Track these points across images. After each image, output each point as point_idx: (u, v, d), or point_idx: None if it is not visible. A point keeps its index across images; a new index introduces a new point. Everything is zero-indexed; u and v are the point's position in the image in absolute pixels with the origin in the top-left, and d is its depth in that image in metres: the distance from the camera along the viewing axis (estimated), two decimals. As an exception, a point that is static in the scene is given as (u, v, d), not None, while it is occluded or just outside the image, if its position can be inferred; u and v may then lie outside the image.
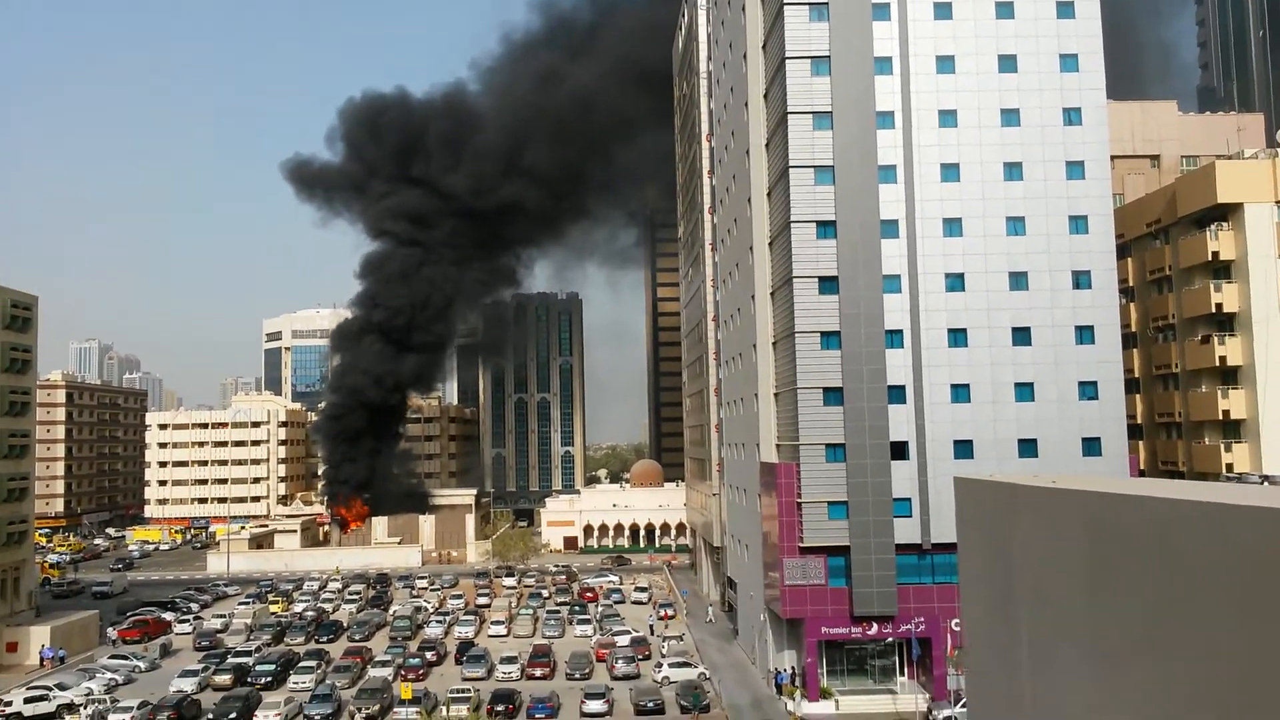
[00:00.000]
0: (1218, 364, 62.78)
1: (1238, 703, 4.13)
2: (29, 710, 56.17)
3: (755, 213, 64.39)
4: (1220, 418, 62.67)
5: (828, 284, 57.13)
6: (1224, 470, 61.27)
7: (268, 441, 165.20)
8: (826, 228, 57.38)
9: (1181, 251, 65.75)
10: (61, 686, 58.98)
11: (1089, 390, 56.88)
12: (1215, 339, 62.96)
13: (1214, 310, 62.73)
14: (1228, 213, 62.64)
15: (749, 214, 65.84)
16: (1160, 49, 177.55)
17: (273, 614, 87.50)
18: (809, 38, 58.10)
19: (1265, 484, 48.99)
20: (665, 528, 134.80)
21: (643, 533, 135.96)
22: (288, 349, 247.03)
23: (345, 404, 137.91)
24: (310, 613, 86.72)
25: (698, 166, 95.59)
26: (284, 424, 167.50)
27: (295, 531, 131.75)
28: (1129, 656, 5.40)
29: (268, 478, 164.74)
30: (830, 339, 56.83)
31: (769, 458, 61.87)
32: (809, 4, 58.35)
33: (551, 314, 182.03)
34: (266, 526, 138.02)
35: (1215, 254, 62.72)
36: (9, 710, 56.03)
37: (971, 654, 8.44)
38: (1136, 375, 70.40)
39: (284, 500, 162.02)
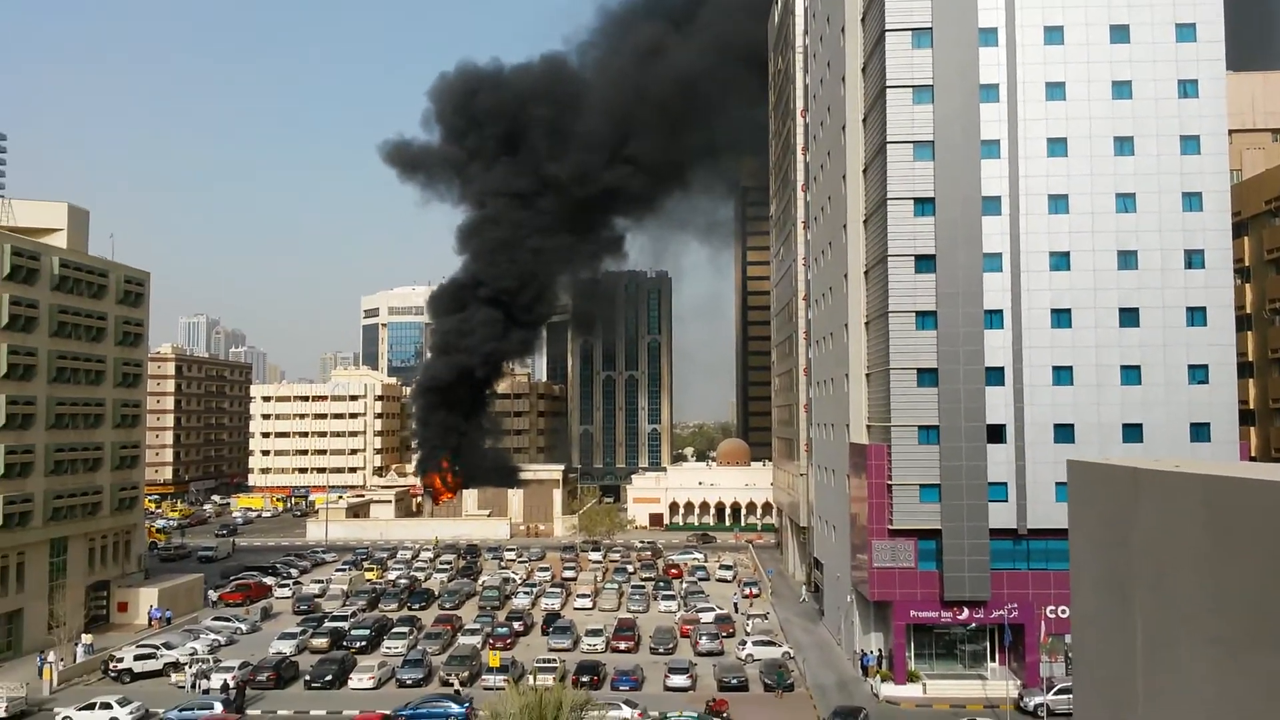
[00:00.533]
0: (1341, 349, 59.44)
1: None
2: (138, 667, 58.91)
3: (850, 190, 63.15)
4: (1343, 406, 59.39)
5: (924, 262, 55.74)
6: (1346, 461, 58.11)
7: (364, 414, 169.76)
8: (924, 204, 55.93)
9: (1304, 230, 62.29)
10: (168, 645, 61.64)
11: (1199, 374, 54.48)
12: (1339, 323, 59.59)
13: (1339, 292, 59.35)
14: (1357, 189, 59.08)
15: (843, 191, 64.61)
16: None
17: (368, 581, 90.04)
18: (910, 9, 56.50)
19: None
20: (751, 507, 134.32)
21: (728, 511, 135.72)
22: (384, 325, 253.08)
23: (443, 375, 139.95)
24: (403, 581, 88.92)
25: (791, 143, 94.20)
26: (380, 398, 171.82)
27: (390, 502, 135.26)
28: (1256, 647, 4.99)
29: (364, 449, 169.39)
30: (926, 319, 55.50)
31: (859, 439, 60.90)
32: (910, -26, 56.63)
33: (640, 292, 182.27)
34: (363, 496, 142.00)
35: (1342, 233, 59.26)
36: (120, 666, 58.86)
37: (1079, 641, 8.01)
38: (1250, 359, 67.13)
39: (379, 471, 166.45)
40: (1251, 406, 66.85)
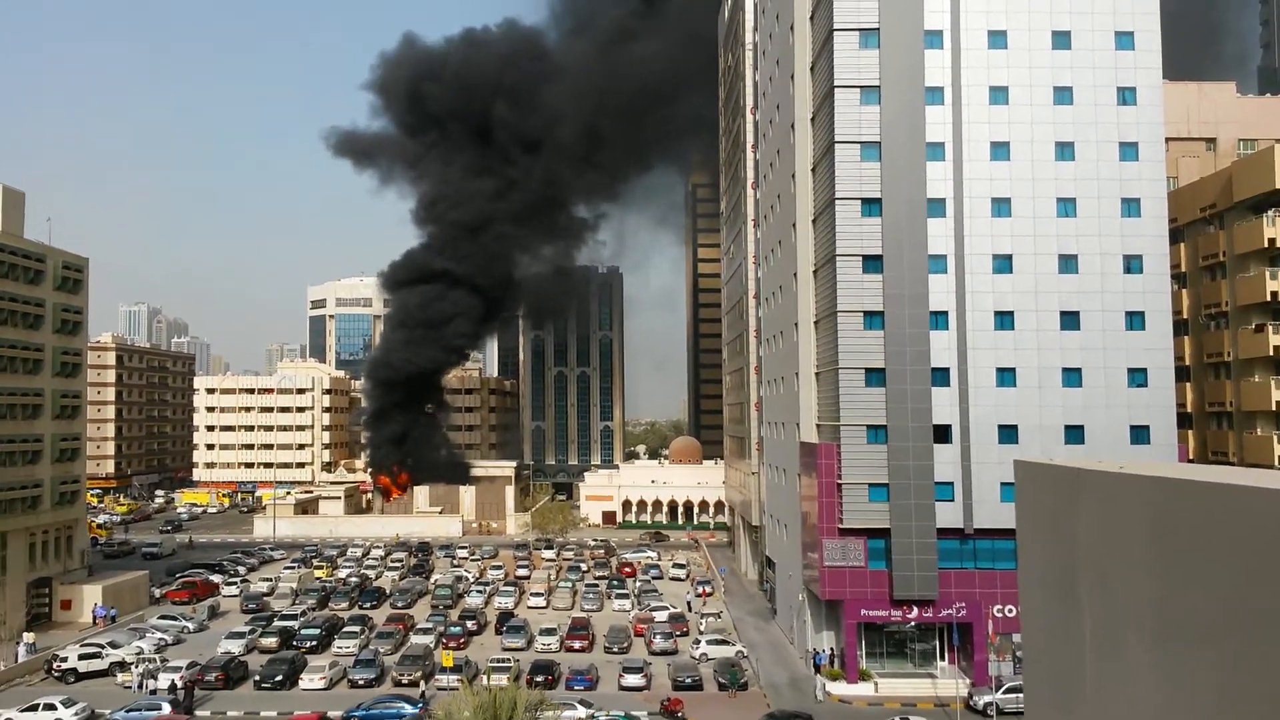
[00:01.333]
0: (1271, 353, 61.48)
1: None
2: (82, 666, 57.88)
3: (799, 189, 63.93)
4: (1273, 408, 61.44)
5: (872, 263, 56.64)
6: (1276, 462, 60.16)
7: (312, 408, 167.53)
8: (871, 205, 56.83)
9: (1237, 237, 64.32)
10: (113, 644, 60.61)
11: (1138, 377, 56.05)
12: (1270, 327, 61.62)
13: (1269, 298, 61.36)
14: (1287, 198, 61.12)
15: (792, 190, 65.38)
16: (1238, 35, 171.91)
17: (318, 579, 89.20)
18: (858, 10, 57.33)
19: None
20: (704, 505, 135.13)
21: (681, 509, 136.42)
22: (332, 317, 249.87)
23: (407, 366, 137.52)
24: (354, 579, 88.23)
25: (741, 140, 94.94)
26: (328, 391, 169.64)
27: (339, 498, 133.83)
28: (1201, 646, 5.39)
29: (312, 444, 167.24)
30: (873, 319, 56.42)
31: (809, 438, 61.72)
32: (860, -24, 57.50)
33: (592, 287, 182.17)
34: (311, 492, 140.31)
35: (1272, 240, 61.25)
36: (64, 665, 57.77)
37: (1029, 640, 8.45)
38: (1187, 363, 69.15)
39: (328, 467, 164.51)
40: (1189, 410, 68.89)
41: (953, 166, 56.93)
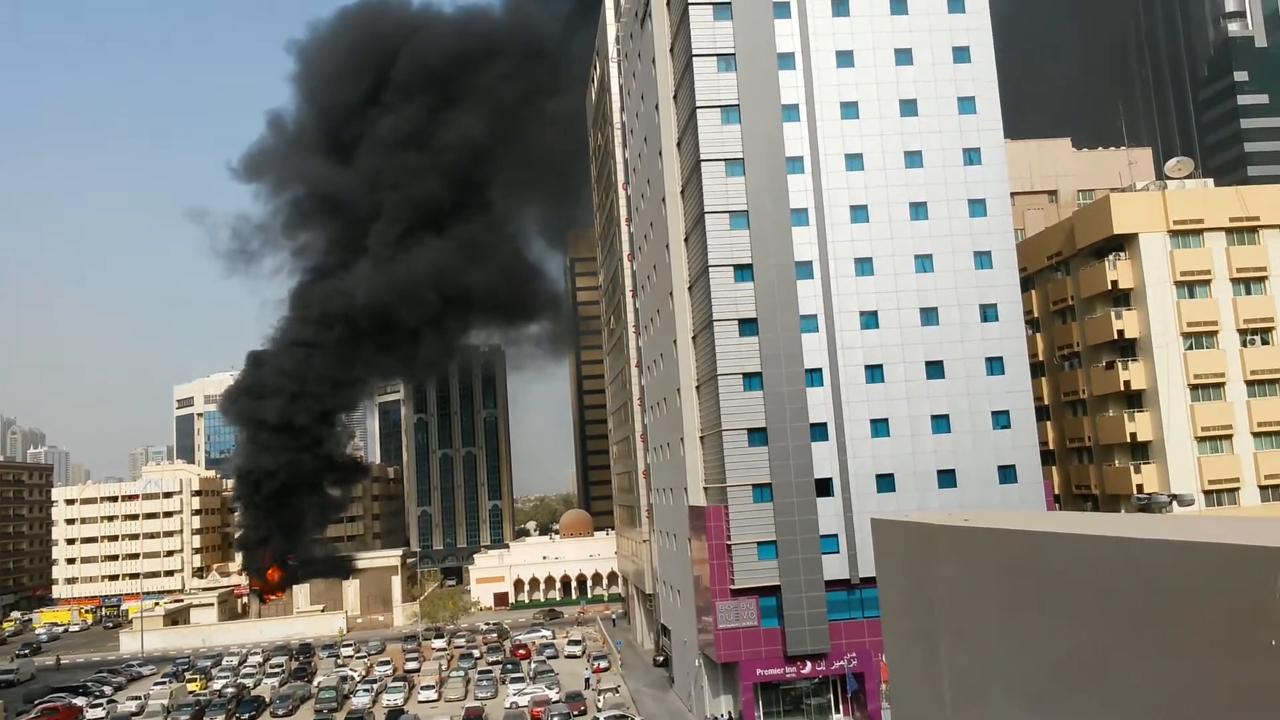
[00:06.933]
0: (1122, 388, 64.86)
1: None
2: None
3: (674, 258, 64.97)
4: (1128, 440, 64.64)
5: (747, 326, 57.76)
6: (1134, 491, 63.09)
7: (181, 512, 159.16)
8: (744, 271, 58.14)
9: (1082, 282, 68.11)
10: (-38, 785, 55.45)
11: (1002, 419, 58.29)
12: (1119, 364, 65.09)
13: (1116, 336, 64.92)
14: (1124, 243, 65.17)
15: (668, 260, 66.40)
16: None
17: (190, 693, 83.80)
18: (718, 87, 59.25)
19: (1174, 503, 50.51)
20: (597, 577, 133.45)
21: (575, 584, 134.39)
22: (200, 415, 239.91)
23: (264, 461, 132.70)
24: (230, 689, 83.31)
25: (615, 215, 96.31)
26: (197, 493, 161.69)
27: (212, 605, 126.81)
28: (1053, 694, 5.39)
29: (182, 550, 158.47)
30: (752, 380, 57.33)
31: (697, 501, 61.82)
32: (717, 55, 59.59)
33: (474, 367, 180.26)
34: (182, 601, 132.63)
35: (1114, 283, 65.05)
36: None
37: (896, 695, 8.38)
38: (1046, 403, 72.35)
39: (200, 573, 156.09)
40: (1051, 447, 71.89)
41: (816, 230, 58.86)
